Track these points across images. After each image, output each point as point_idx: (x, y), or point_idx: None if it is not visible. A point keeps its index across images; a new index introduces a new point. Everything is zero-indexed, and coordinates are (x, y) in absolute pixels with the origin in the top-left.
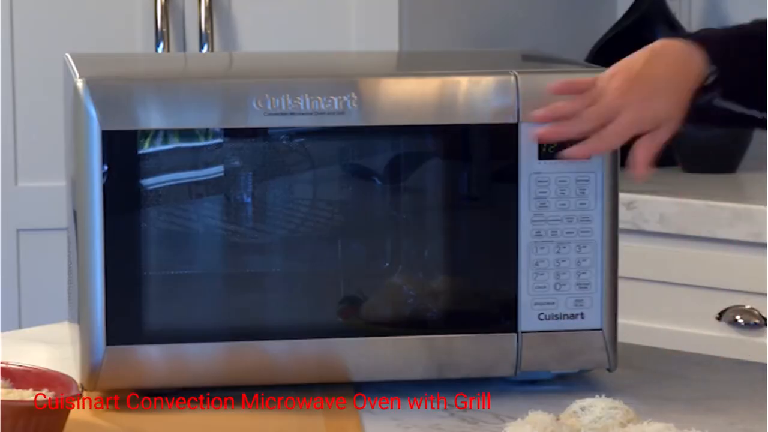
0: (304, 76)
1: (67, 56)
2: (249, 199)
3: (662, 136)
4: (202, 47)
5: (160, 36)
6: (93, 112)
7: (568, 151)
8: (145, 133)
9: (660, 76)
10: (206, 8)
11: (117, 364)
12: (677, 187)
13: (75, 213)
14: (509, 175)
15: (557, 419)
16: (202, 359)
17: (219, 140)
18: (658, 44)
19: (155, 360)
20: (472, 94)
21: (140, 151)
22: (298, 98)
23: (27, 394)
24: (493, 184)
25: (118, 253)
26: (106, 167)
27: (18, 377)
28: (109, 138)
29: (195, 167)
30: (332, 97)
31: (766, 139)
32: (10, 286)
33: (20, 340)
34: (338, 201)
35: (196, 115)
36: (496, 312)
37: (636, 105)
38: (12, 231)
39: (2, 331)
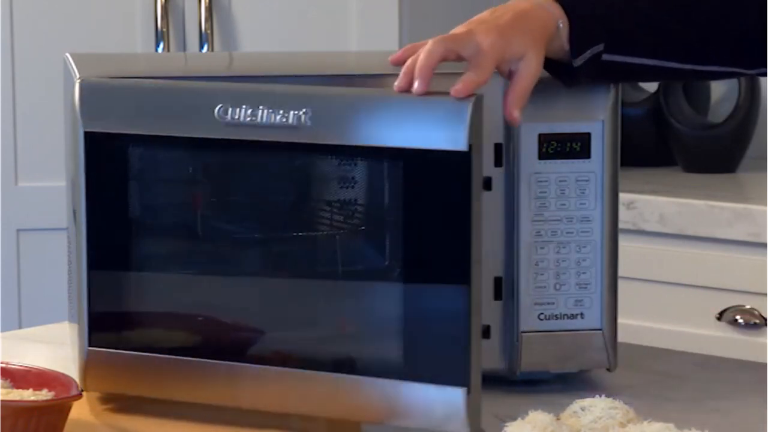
0: (266, 85)
1: (67, 56)
2: (210, 213)
3: (524, 78)
4: (202, 47)
5: (160, 36)
6: (78, 113)
7: (454, 90)
8: (124, 137)
9: (505, 17)
10: (206, 8)
11: (98, 367)
12: (677, 187)
13: (74, 213)
14: (461, 207)
15: (557, 419)
16: (169, 372)
17: (184, 149)
18: (512, 1)
19: (134, 367)
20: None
21: (119, 155)
22: (257, 110)
23: (27, 394)
24: (443, 218)
25: (100, 256)
26: (86, 169)
27: (18, 377)
28: (90, 139)
29: (166, 177)
30: (289, 111)
31: (766, 139)
32: (10, 286)
33: (20, 340)
34: (284, 227)
35: (163, 121)
36: (445, 361)
37: (488, 34)
38: (12, 231)
39: (2, 331)
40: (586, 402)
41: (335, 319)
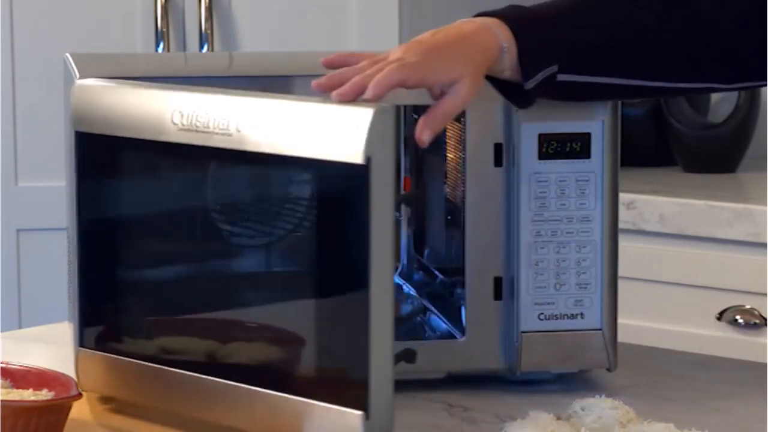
0: (214, 90)
1: (67, 56)
2: (163, 220)
3: (447, 103)
4: (202, 47)
5: (160, 36)
6: (71, 113)
7: (336, 93)
8: (107, 138)
9: (441, 41)
10: (206, 8)
11: (88, 367)
12: (677, 187)
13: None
14: (358, 224)
15: (557, 419)
16: (148, 380)
17: (150, 152)
18: (458, 22)
19: (119, 371)
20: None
21: (105, 156)
22: (203, 115)
23: (27, 394)
24: (343, 235)
25: (89, 257)
26: (77, 169)
27: (18, 377)
28: (79, 139)
29: (142, 180)
30: (226, 117)
31: (766, 139)
32: (10, 286)
33: (20, 340)
34: (213, 234)
35: (133, 124)
36: (345, 382)
37: (416, 55)
38: (12, 231)
39: (2, 331)
40: (586, 402)
41: (249, 329)
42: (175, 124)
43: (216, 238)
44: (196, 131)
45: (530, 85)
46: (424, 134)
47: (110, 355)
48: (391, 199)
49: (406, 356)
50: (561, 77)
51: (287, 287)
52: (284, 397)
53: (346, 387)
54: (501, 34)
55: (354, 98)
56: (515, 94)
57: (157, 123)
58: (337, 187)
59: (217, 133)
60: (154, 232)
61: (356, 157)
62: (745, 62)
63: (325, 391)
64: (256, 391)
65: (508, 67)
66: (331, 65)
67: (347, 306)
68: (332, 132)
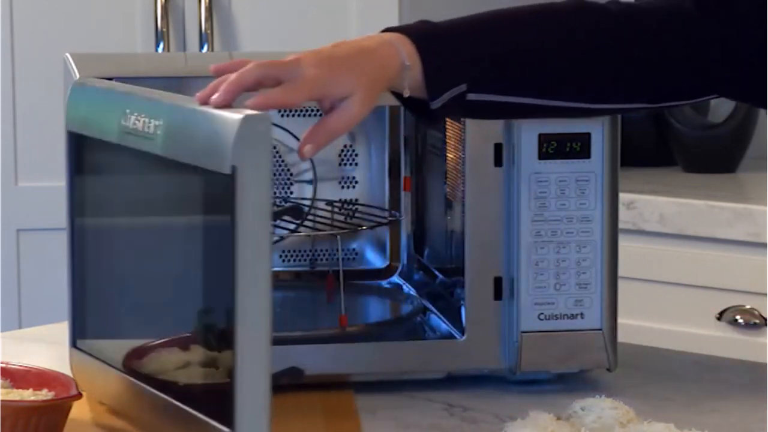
0: (156, 92)
1: (67, 56)
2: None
3: (336, 120)
4: (202, 47)
5: (160, 36)
6: (65, 112)
7: (249, 101)
8: (93, 139)
9: (338, 54)
10: (206, 8)
11: (80, 368)
12: (677, 187)
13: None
14: (224, 234)
15: (557, 419)
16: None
17: (109, 153)
18: (363, 36)
19: (101, 375)
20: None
21: (91, 157)
22: (141, 118)
23: (27, 394)
24: (213, 245)
25: (78, 258)
26: (69, 169)
27: (18, 377)
28: (70, 139)
29: (127, 181)
30: (151, 120)
31: (766, 139)
32: (10, 286)
33: (20, 340)
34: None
35: (102, 125)
36: (215, 398)
37: (315, 66)
38: (12, 231)
39: (2, 331)
40: (586, 402)
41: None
42: (124, 125)
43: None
44: (135, 135)
45: (437, 104)
46: (305, 148)
47: (95, 359)
48: (264, 210)
49: (291, 374)
50: (471, 96)
51: (173, 294)
52: (175, 405)
53: (219, 401)
54: (404, 51)
55: (225, 103)
56: (422, 111)
57: (115, 124)
58: (208, 196)
59: (142, 136)
60: (137, 235)
61: (223, 166)
62: (675, 82)
63: (204, 403)
64: (164, 399)
65: (413, 84)
66: (220, 72)
67: (217, 323)
68: (205, 139)
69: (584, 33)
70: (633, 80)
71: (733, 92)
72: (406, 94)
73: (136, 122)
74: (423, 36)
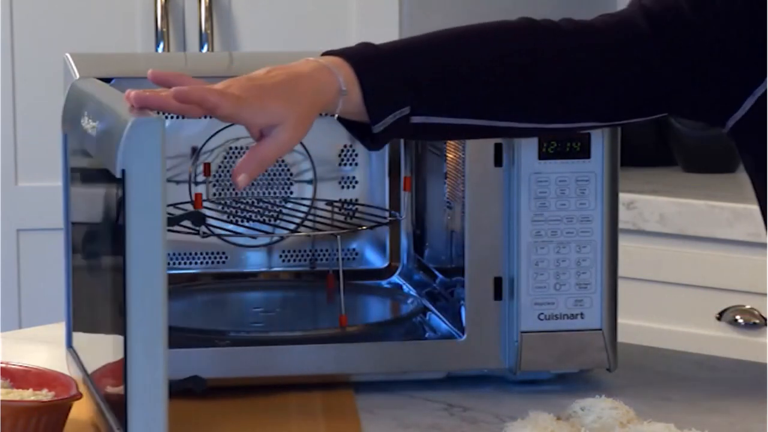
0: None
1: (67, 56)
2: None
3: (266, 148)
4: (202, 47)
5: (160, 36)
6: (61, 114)
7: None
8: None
9: (271, 80)
10: (206, 8)
11: (73, 368)
12: (677, 187)
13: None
14: (118, 238)
15: (557, 419)
16: None
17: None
18: (301, 60)
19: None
20: None
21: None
22: (93, 120)
23: (27, 394)
24: (111, 250)
25: (75, 258)
26: (64, 170)
27: (18, 377)
28: (65, 140)
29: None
30: (93, 122)
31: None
32: (10, 286)
33: (20, 340)
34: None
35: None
36: (119, 408)
37: (240, 90)
38: (12, 231)
39: (2, 331)
40: (586, 402)
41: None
42: (83, 127)
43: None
44: (84, 136)
45: (379, 128)
46: (239, 177)
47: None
48: (155, 214)
49: (194, 383)
50: (415, 119)
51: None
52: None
53: (120, 405)
54: (341, 75)
55: (142, 106)
56: (365, 134)
57: (79, 125)
58: (107, 200)
59: (88, 137)
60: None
61: (116, 169)
62: (626, 100)
63: (116, 406)
64: None
65: (353, 109)
66: (158, 80)
67: (113, 331)
68: (107, 143)
69: (528, 52)
70: (581, 99)
71: (683, 110)
72: (353, 117)
73: (86, 124)
74: (362, 59)
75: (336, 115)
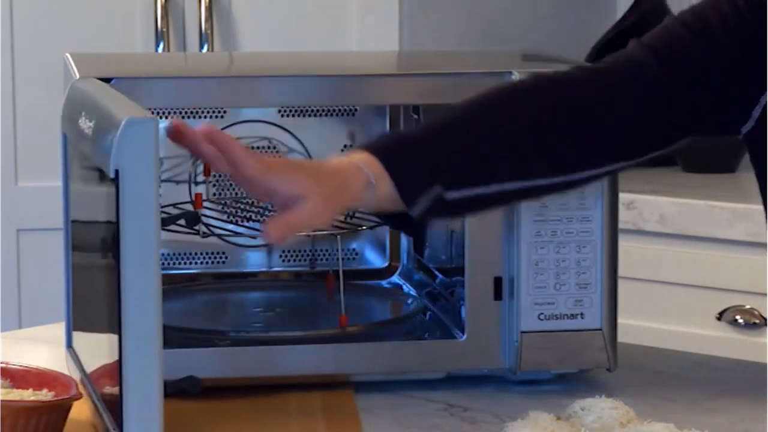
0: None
1: (67, 56)
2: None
3: (294, 216)
4: (202, 47)
5: (160, 36)
6: (61, 114)
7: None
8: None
9: (303, 162)
10: (206, 8)
11: (73, 368)
12: (677, 187)
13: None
14: (112, 241)
15: (557, 419)
16: None
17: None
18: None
19: None
20: None
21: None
22: (87, 120)
23: (27, 394)
24: (102, 252)
25: (75, 258)
26: (64, 170)
27: (18, 377)
28: (64, 140)
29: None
30: (89, 121)
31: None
32: (10, 286)
33: (20, 340)
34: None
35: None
36: (116, 408)
37: (268, 161)
38: (12, 231)
39: (2, 331)
40: (586, 402)
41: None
42: (80, 127)
43: None
44: (81, 136)
45: (416, 211)
46: (271, 237)
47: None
48: (150, 213)
49: (188, 383)
50: (449, 195)
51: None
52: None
53: (116, 405)
54: (370, 170)
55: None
56: (405, 224)
57: (75, 126)
58: (104, 200)
59: (84, 137)
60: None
61: (110, 169)
62: (649, 137)
63: (112, 406)
64: None
65: (386, 199)
66: (172, 134)
67: (110, 330)
68: (103, 142)
69: (549, 108)
70: (607, 142)
71: (702, 132)
72: (390, 207)
73: (83, 124)
74: (384, 147)
75: (369, 208)
